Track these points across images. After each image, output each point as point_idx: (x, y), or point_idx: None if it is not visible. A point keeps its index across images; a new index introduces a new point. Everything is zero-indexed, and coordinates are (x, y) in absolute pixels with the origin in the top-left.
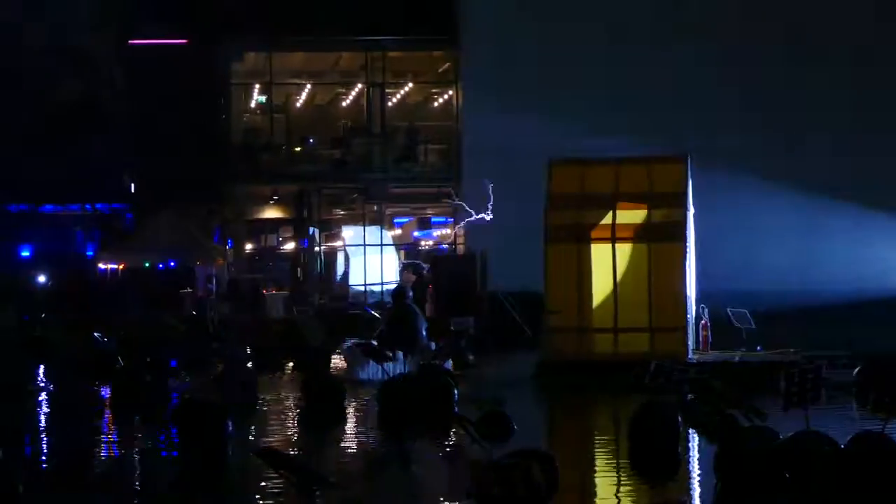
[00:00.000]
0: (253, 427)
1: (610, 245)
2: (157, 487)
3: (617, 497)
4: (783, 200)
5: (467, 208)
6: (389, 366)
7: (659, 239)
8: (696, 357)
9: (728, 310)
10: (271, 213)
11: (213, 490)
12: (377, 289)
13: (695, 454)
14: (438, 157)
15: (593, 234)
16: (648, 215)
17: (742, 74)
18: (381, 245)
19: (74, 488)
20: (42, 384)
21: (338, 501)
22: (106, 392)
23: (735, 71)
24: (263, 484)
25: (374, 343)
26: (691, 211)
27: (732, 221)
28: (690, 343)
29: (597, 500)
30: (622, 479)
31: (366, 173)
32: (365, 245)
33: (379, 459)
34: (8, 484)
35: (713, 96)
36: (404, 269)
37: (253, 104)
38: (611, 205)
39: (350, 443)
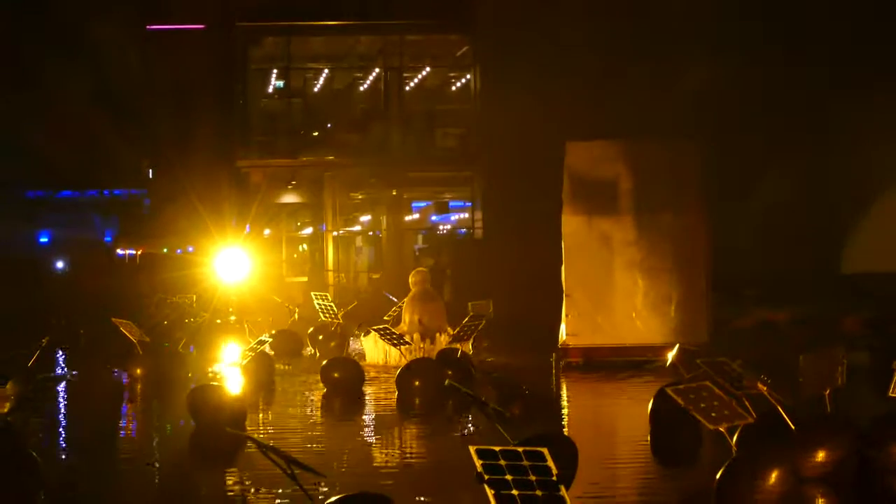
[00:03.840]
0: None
1: (628, 226)
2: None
3: (637, 481)
4: (805, 183)
5: None
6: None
7: (678, 220)
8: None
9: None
10: (289, 197)
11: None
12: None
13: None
14: (456, 141)
15: (611, 216)
16: (667, 196)
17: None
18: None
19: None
20: (63, 371)
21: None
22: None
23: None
24: None
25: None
26: (710, 191)
27: (752, 204)
28: None
29: (617, 484)
30: (641, 462)
31: (383, 157)
32: (382, 229)
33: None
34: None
35: (733, 78)
36: (421, 252)
37: (271, 89)
38: (629, 186)
39: (366, 426)
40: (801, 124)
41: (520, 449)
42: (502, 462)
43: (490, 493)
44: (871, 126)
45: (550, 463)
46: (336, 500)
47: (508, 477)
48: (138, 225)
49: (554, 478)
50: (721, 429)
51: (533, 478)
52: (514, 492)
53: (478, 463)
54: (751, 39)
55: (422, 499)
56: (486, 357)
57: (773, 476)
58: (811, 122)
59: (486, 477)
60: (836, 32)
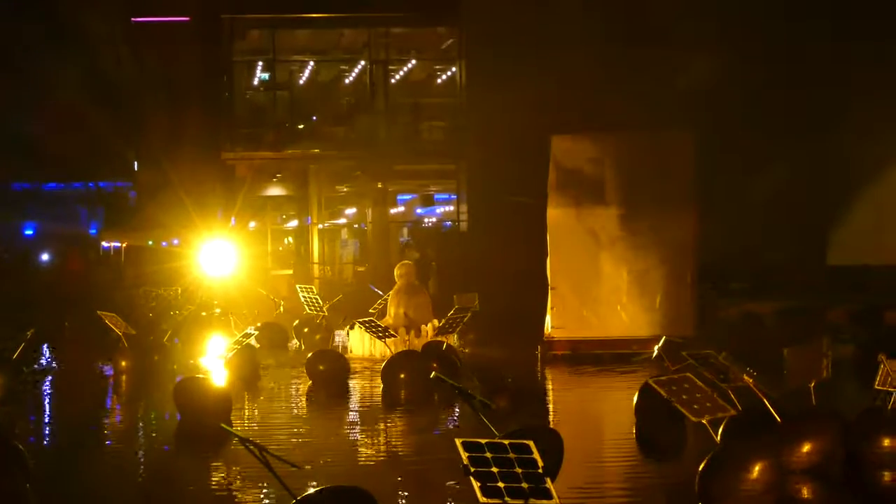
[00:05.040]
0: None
1: (614, 219)
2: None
3: (622, 473)
4: (795, 176)
5: None
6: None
7: (665, 213)
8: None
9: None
10: (274, 190)
11: None
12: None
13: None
14: (442, 134)
15: (597, 209)
16: (654, 189)
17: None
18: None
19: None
20: (49, 364)
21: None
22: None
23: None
24: None
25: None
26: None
27: (739, 194)
28: None
29: (602, 476)
30: (627, 454)
31: (369, 150)
32: (367, 222)
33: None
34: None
35: (725, 72)
36: (407, 245)
37: (256, 81)
38: (615, 178)
39: (351, 419)
40: (792, 119)
41: (506, 441)
42: (489, 455)
43: (476, 485)
44: (863, 120)
45: (536, 455)
46: (312, 493)
47: (495, 469)
48: (124, 217)
49: (540, 470)
50: (704, 421)
51: (519, 470)
52: (501, 484)
53: (464, 455)
54: (745, 33)
55: (404, 492)
56: (470, 349)
57: (756, 468)
58: (801, 116)
59: (473, 469)
60: (833, 27)
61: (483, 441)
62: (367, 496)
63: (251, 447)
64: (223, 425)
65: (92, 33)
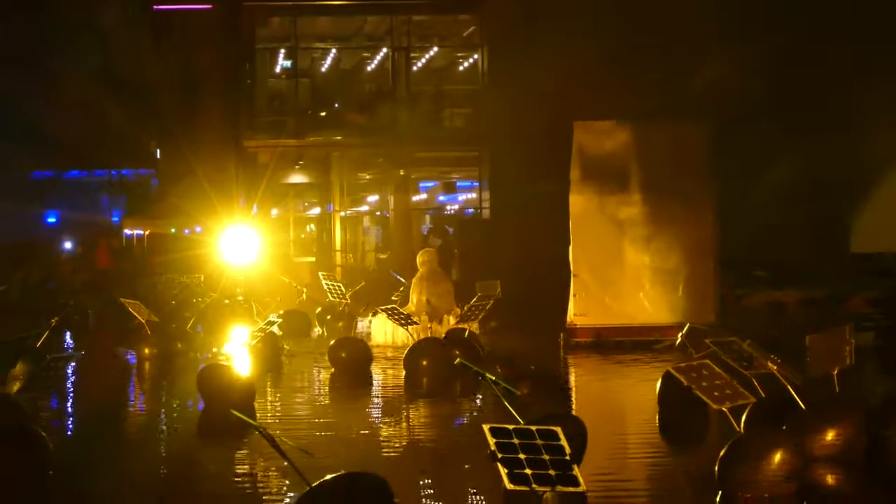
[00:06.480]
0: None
1: (637, 206)
2: None
3: (645, 460)
4: (817, 163)
5: None
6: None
7: (687, 200)
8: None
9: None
10: (296, 177)
11: None
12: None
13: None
14: (464, 121)
15: (619, 196)
16: (676, 176)
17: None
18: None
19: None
20: (73, 351)
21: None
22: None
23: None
24: None
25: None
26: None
27: (763, 184)
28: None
29: (625, 464)
30: (650, 442)
31: (391, 137)
32: (390, 209)
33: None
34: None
35: (745, 61)
36: (429, 232)
37: (278, 69)
38: (637, 165)
39: (373, 407)
40: (813, 106)
41: (533, 428)
42: (516, 441)
43: (503, 471)
44: (882, 108)
45: (564, 442)
46: (328, 479)
47: (522, 456)
48: (146, 205)
49: (567, 457)
50: (724, 408)
51: (546, 457)
52: (528, 471)
53: (491, 441)
54: (764, 24)
55: (426, 479)
56: (492, 336)
57: (778, 455)
58: (823, 103)
59: (500, 455)
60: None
61: (510, 427)
62: (381, 482)
63: (263, 433)
64: (233, 411)
65: (113, 21)
